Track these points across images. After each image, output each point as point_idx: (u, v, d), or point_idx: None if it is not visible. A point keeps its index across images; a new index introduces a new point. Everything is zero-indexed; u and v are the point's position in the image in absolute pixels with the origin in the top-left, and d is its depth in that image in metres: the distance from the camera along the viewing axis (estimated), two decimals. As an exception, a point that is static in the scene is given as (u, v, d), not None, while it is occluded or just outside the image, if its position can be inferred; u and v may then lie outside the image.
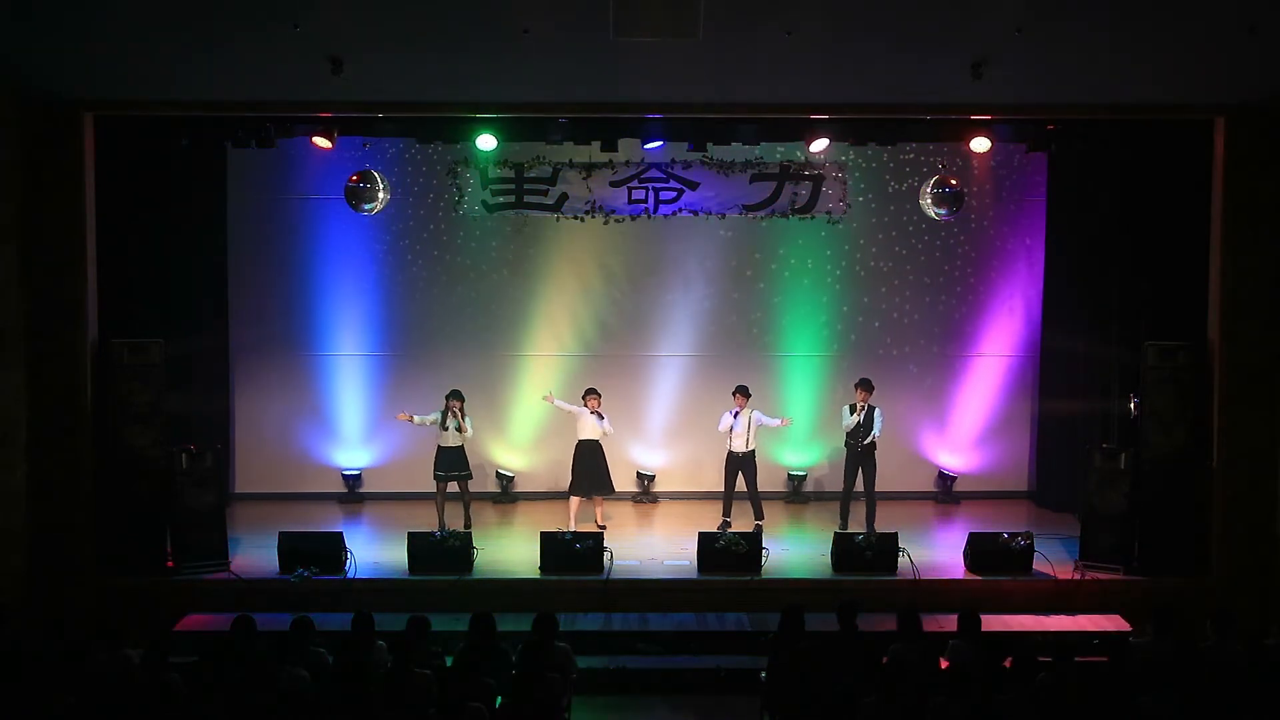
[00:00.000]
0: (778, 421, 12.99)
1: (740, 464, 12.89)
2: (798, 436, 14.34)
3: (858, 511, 12.88)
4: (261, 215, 14.09)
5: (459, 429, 12.69)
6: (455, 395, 12.77)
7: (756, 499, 12.94)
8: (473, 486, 13.21)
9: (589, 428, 12.87)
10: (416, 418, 12.85)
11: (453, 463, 12.79)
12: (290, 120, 11.97)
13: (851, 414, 12.72)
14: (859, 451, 12.74)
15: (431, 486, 12.87)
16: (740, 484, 12.93)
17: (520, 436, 14.46)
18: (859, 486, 12.87)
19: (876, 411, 12.69)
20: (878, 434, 12.67)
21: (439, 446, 12.79)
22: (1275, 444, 11.49)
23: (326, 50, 10.09)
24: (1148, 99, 11.18)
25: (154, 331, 11.94)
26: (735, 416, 12.78)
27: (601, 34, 9.69)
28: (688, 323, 14.39)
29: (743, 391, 12.83)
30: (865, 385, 12.74)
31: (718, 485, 13.19)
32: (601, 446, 12.91)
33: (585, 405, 12.89)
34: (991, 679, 7.65)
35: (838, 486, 13.26)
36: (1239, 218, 11.48)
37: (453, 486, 12.89)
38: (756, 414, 12.86)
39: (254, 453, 14.37)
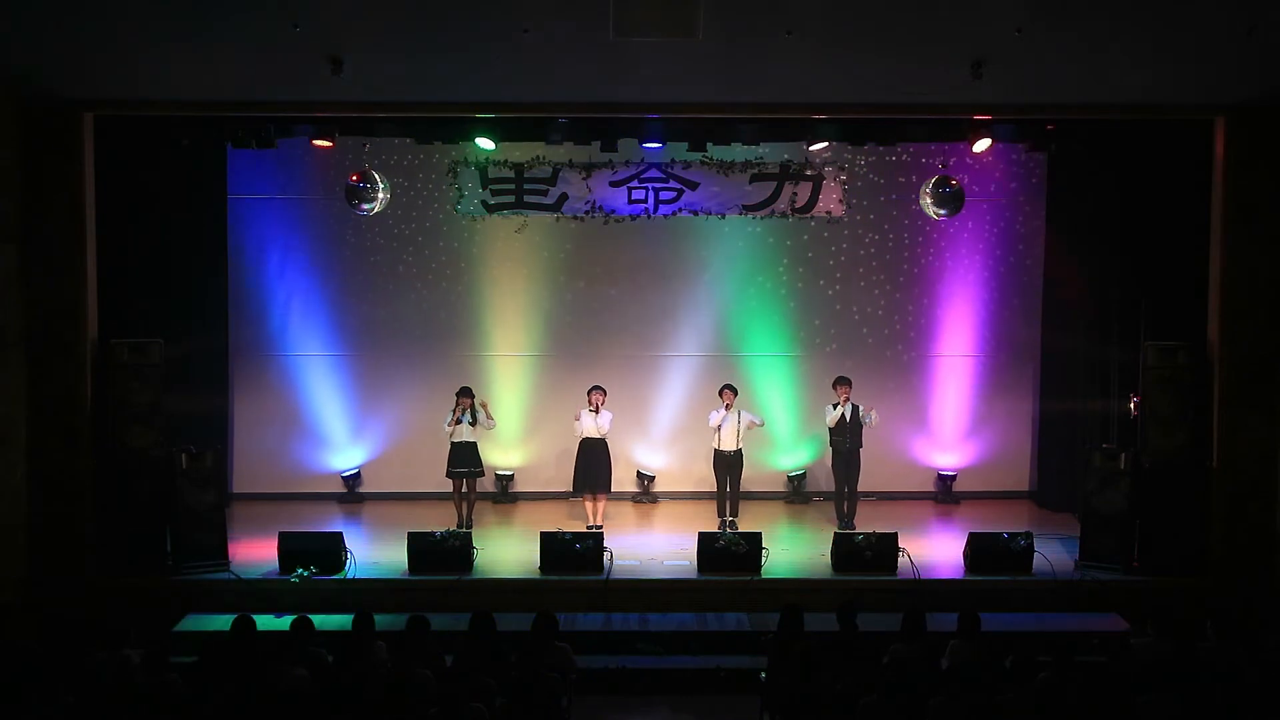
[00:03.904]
0: (757, 421, 13.01)
1: (729, 462, 12.89)
2: (794, 436, 14.36)
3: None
4: (261, 215, 14.09)
5: (471, 424, 12.71)
6: (465, 392, 12.83)
7: (736, 499, 12.95)
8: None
9: (588, 426, 12.88)
10: (446, 426, 12.85)
11: (466, 458, 12.81)
12: (290, 120, 11.97)
13: (835, 409, 12.75)
14: (845, 451, 12.78)
15: (435, 485, 12.85)
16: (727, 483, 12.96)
17: (521, 437, 14.43)
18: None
19: (860, 408, 12.73)
20: (872, 421, 12.69)
21: (452, 443, 12.82)
22: (1275, 444, 11.49)
23: (326, 50, 10.08)
24: (1148, 99, 11.17)
25: (154, 332, 11.93)
26: (725, 412, 12.79)
27: (601, 34, 9.67)
28: (688, 323, 14.37)
29: (731, 389, 12.84)
30: (844, 382, 12.80)
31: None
32: (604, 444, 12.90)
33: (588, 402, 12.88)
34: (991, 679, 7.65)
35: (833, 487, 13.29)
36: (1239, 218, 11.48)
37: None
38: (744, 413, 12.89)
39: (253, 453, 14.36)
